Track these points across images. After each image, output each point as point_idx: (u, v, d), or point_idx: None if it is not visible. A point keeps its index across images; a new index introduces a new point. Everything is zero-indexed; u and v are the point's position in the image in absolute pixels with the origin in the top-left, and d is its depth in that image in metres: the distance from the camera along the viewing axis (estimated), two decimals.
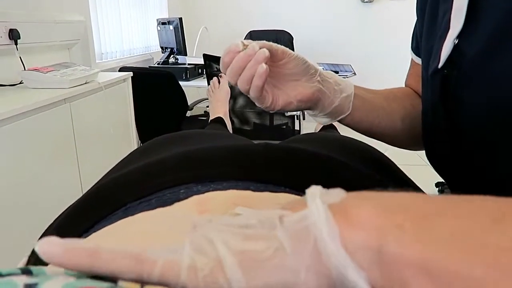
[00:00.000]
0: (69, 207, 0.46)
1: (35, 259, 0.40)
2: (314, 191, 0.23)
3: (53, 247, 0.20)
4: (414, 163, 2.91)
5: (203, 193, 0.37)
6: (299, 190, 0.39)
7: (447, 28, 0.46)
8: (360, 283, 0.19)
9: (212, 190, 0.37)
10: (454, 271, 0.17)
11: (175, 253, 0.22)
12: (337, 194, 0.23)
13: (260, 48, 0.45)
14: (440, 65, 0.47)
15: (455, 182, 0.53)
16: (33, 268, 0.21)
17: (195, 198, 0.36)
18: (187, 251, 0.21)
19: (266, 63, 0.45)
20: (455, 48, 0.45)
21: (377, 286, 0.19)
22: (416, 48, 0.62)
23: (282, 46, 0.48)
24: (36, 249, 0.20)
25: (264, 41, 0.47)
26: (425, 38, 0.54)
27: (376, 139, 0.60)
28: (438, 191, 2.19)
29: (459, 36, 0.44)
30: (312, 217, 0.21)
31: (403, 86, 0.69)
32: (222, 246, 0.21)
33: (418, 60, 0.61)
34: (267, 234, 0.21)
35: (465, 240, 0.18)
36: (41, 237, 0.45)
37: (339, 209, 0.21)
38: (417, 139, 0.62)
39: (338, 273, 0.20)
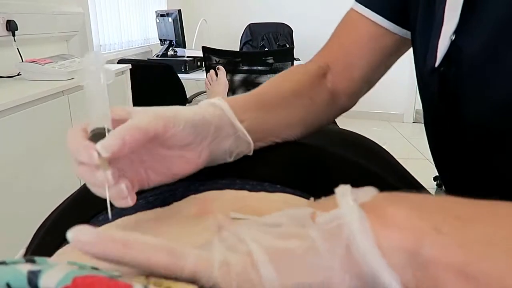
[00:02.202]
0: (66, 200, 0.46)
1: (32, 250, 0.40)
2: (344, 190, 0.23)
3: (85, 235, 0.20)
4: (413, 157, 2.92)
5: (201, 192, 0.37)
6: (297, 188, 0.39)
7: (441, 23, 0.44)
8: (393, 285, 0.19)
9: (209, 189, 0.37)
10: (493, 276, 0.17)
11: (205, 250, 0.21)
12: (368, 192, 0.23)
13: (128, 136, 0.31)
14: (437, 64, 0.44)
15: (457, 179, 0.52)
16: (37, 258, 0.21)
17: (192, 198, 0.36)
18: (218, 248, 0.21)
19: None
20: (452, 44, 0.42)
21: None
22: None
23: (167, 118, 0.34)
24: (68, 237, 0.20)
25: (139, 127, 0.32)
26: (420, 32, 0.51)
27: None
28: (436, 185, 2.20)
29: (456, 31, 0.42)
30: (344, 216, 0.21)
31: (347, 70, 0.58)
32: (253, 244, 0.21)
33: (366, 12, 0.57)
34: (299, 232, 0.21)
35: (503, 246, 0.18)
36: (38, 229, 0.45)
37: (372, 208, 0.21)
38: (320, 127, 0.56)
39: (371, 273, 0.19)
